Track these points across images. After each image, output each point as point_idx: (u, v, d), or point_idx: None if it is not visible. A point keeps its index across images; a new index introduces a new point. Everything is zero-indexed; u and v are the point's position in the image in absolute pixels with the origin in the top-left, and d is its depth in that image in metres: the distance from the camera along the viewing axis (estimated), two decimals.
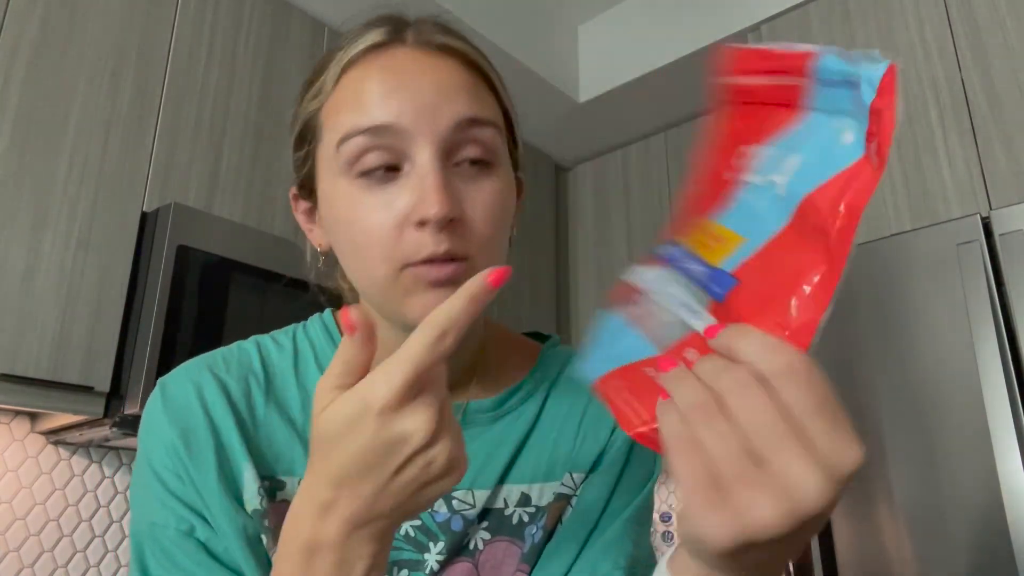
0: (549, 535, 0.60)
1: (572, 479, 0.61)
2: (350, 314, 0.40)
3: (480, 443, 0.60)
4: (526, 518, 0.59)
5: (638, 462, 0.63)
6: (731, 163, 0.38)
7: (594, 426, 0.62)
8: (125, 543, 1.74)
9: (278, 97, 1.97)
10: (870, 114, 0.31)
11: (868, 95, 0.31)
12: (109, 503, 1.75)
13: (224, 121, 1.83)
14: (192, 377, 0.57)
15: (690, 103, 2.60)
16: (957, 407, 1.48)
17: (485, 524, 0.59)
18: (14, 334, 1.39)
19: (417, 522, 0.58)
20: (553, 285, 2.74)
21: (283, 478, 0.56)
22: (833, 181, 0.32)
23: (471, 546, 0.58)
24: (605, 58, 2.62)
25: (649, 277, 0.38)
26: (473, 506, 0.59)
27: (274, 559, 0.45)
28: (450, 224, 0.49)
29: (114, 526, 1.74)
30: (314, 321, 0.64)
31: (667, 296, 0.37)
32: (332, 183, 0.53)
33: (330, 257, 0.59)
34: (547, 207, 2.81)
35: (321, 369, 0.60)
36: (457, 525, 0.58)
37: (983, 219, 1.54)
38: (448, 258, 0.49)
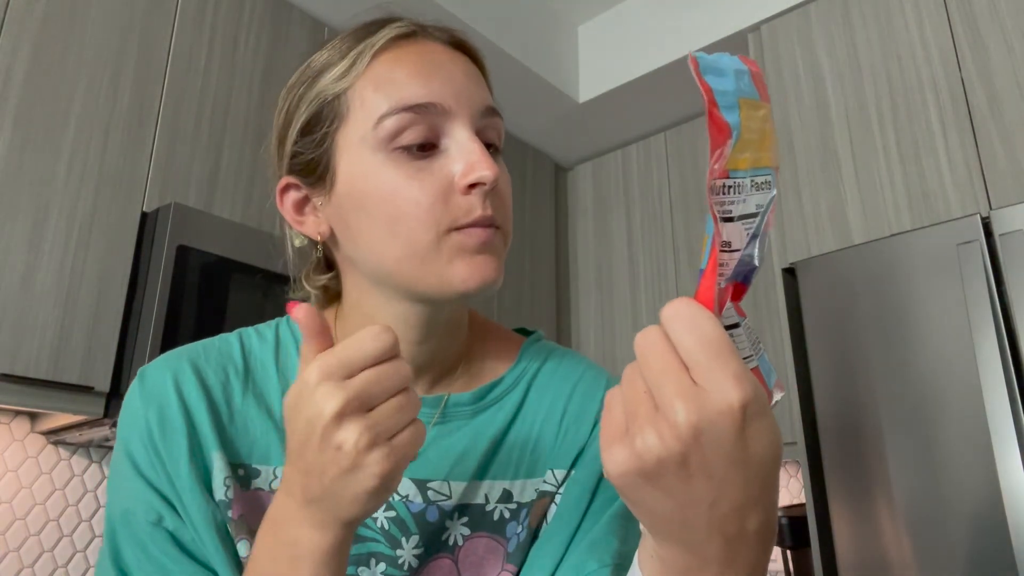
0: (534, 534, 0.60)
1: (554, 476, 0.61)
2: (297, 312, 0.43)
3: (459, 436, 0.60)
4: (507, 515, 0.59)
5: None
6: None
7: (575, 422, 0.62)
8: None
9: (278, 97, 1.97)
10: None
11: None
12: None
13: (224, 121, 1.83)
14: (171, 366, 0.58)
15: (690, 103, 2.61)
16: (957, 407, 1.48)
17: (465, 519, 0.59)
18: (14, 334, 1.39)
19: (392, 513, 0.58)
20: (553, 285, 2.74)
21: (258, 466, 0.56)
22: (711, 169, 0.38)
23: (450, 542, 0.58)
24: (605, 58, 2.62)
25: None
26: (449, 497, 0.59)
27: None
28: (492, 191, 0.54)
29: None
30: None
31: None
32: (362, 160, 0.55)
33: (302, 257, 0.61)
34: (547, 207, 2.81)
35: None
36: (432, 515, 0.58)
37: (983, 219, 1.54)
38: (488, 222, 0.54)
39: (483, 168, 0.52)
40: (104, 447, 1.75)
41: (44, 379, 1.42)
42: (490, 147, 0.57)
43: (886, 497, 1.54)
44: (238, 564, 0.53)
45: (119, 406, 1.49)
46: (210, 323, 1.58)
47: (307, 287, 0.64)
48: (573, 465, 0.61)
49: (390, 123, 0.53)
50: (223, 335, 0.62)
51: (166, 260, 1.53)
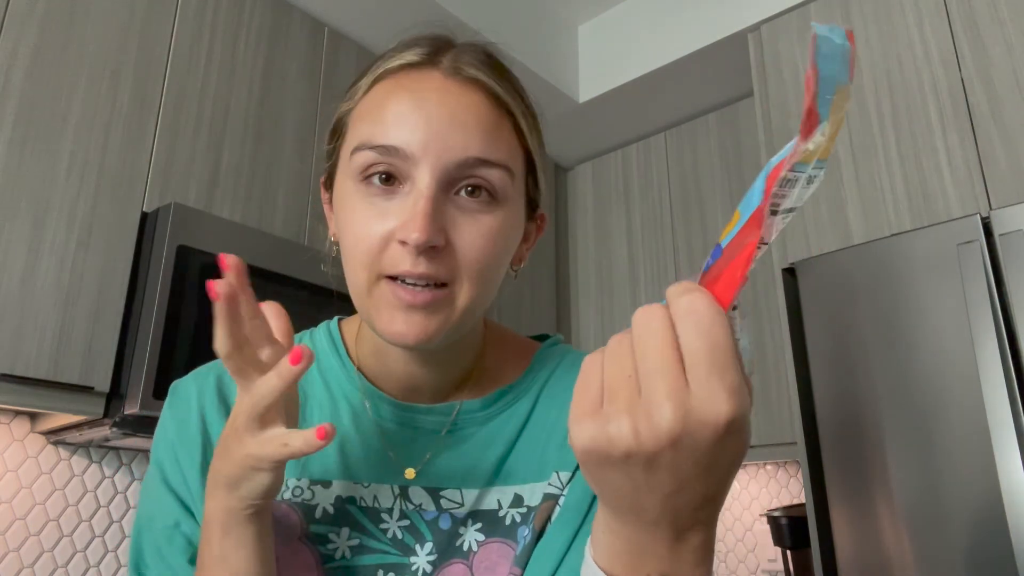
0: (539, 536, 0.60)
1: (559, 478, 0.61)
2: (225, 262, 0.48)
3: (471, 444, 0.61)
4: (518, 519, 0.60)
5: None
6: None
7: None
8: (125, 543, 1.74)
9: (278, 97, 1.97)
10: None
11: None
12: (109, 503, 1.75)
13: (224, 121, 1.83)
14: (197, 381, 0.62)
15: (690, 103, 2.61)
16: (957, 407, 1.48)
17: (479, 525, 0.59)
18: (14, 334, 1.39)
19: (406, 522, 0.58)
20: (553, 285, 2.74)
21: None
22: (783, 160, 0.35)
23: (465, 548, 0.59)
24: (605, 58, 2.62)
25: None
26: (461, 505, 0.59)
27: None
28: (431, 250, 0.51)
29: (114, 526, 1.74)
30: (321, 328, 0.67)
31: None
32: (343, 183, 0.56)
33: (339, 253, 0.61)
34: (547, 207, 2.80)
35: (321, 375, 0.63)
36: (446, 523, 0.59)
37: (983, 219, 1.54)
38: (425, 281, 0.51)
39: (413, 229, 0.50)
40: (104, 447, 1.75)
41: (44, 379, 1.42)
42: (479, 198, 0.53)
43: (886, 497, 1.54)
44: None
45: (119, 406, 1.49)
46: (210, 324, 1.57)
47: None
48: (577, 467, 0.61)
49: (358, 157, 0.54)
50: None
51: (166, 260, 1.53)
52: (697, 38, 2.35)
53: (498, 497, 0.60)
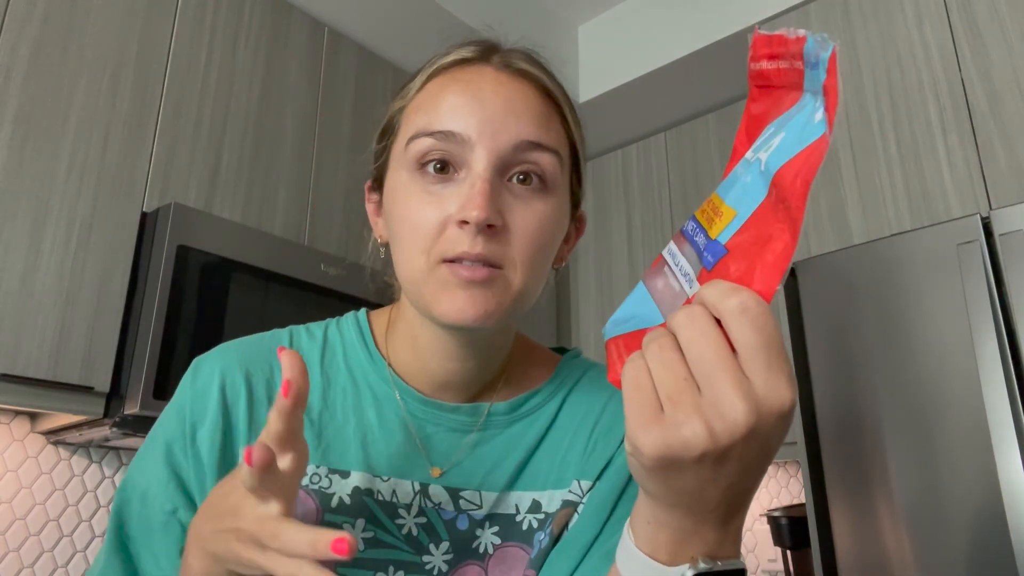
0: (555, 541, 0.61)
1: (579, 486, 0.61)
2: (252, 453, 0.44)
3: (493, 445, 0.61)
4: (535, 524, 0.60)
5: None
6: (751, 143, 0.41)
7: (605, 435, 0.63)
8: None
9: (278, 97, 1.97)
10: (823, 92, 0.35)
11: (822, 75, 0.35)
12: (109, 503, 1.75)
13: (224, 121, 1.83)
14: (221, 361, 0.61)
15: (690, 103, 2.61)
16: (957, 407, 1.48)
17: (496, 529, 0.60)
18: (14, 334, 1.39)
19: (423, 519, 0.58)
20: (553, 285, 2.74)
21: None
22: (799, 155, 0.35)
23: (481, 550, 0.59)
24: (605, 58, 2.62)
25: (672, 251, 0.42)
26: (480, 507, 0.60)
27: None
28: (489, 230, 0.52)
29: None
30: (348, 319, 0.66)
31: (679, 269, 0.41)
32: (397, 176, 0.57)
33: (387, 254, 0.62)
34: None
35: (347, 364, 0.63)
36: (463, 524, 0.59)
37: (983, 219, 1.54)
38: (482, 261, 0.52)
39: (472, 207, 0.51)
40: (104, 447, 1.75)
41: (44, 379, 1.42)
42: (531, 184, 0.55)
43: (886, 497, 1.54)
44: None
45: (119, 406, 1.49)
46: (210, 323, 1.58)
47: (392, 281, 0.66)
48: (599, 477, 0.62)
49: (414, 145, 0.55)
50: (276, 331, 0.64)
51: (166, 260, 1.53)
52: (697, 38, 2.35)
53: (516, 502, 0.60)
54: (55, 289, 1.46)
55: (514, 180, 0.55)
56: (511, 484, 0.61)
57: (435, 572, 0.58)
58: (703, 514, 0.38)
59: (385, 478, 0.59)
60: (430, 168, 0.54)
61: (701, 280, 0.38)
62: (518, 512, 0.60)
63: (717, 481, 0.36)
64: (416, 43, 2.23)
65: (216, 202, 1.77)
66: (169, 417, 0.59)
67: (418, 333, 0.60)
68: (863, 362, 1.62)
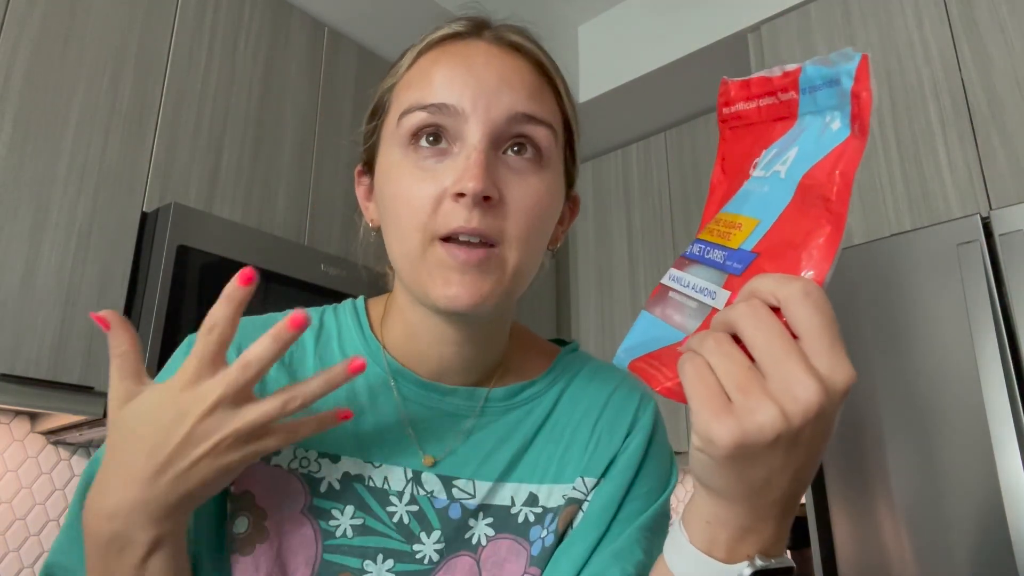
0: (560, 539, 0.60)
1: (584, 483, 0.61)
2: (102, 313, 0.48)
3: (487, 433, 0.61)
4: (532, 518, 0.59)
5: (652, 469, 0.63)
6: (737, 176, 0.44)
7: (608, 432, 0.62)
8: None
9: (278, 97, 1.97)
10: (851, 98, 0.37)
11: (848, 84, 0.37)
12: None
13: (224, 121, 1.83)
14: None
15: (690, 103, 2.61)
16: (957, 407, 1.48)
17: (489, 520, 0.59)
18: (14, 334, 1.39)
19: (415, 507, 0.58)
20: (553, 285, 2.74)
21: None
22: (827, 158, 0.38)
23: (474, 541, 0.58)
24: (605, 58, 2.62)
25: (676, 275, 0.43)
26: (472, 496, 0.59)
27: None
28: (485, 203, 0.51)
29: None
30: (345, 305, 0.66)
31: (691, 287, 0.42)
32: (389, 155, 0.56)
33: (379, 239, 0.61)
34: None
35: (341, 348, 0.62)
36: (455, 513, 0.58)
37: (983, 219, 1.53)
38: (478, 237, 0.51)
39: (469, 179, 0.50)
40: None
41: (44, 379, 1.42)
42: (526, 157, 0.54)
43: (886, 497, 1.54)
44: (218, 534, 0.54)
45: None
46: None
47: (386, 268, 0.65)
48: (604, 474, 0.61)
49: (407, 120, 0.54)
50: (271, 313, 0.64)
51: (166, 260, 1.53)
52: (697, 38, 2.35)
53: (512, 494, 0.60)
54: (55, 289, 1.46)
55: (509, 152, 0.54)
56: (506, 474, 0.60)
57: (425, 561, 0.57)
58: (765, 508, 0.39)
59: (377, 464, 0.58)
60: (423, 142, 0.53)
61: (729, 286, 0.39)
62: (513, 504, 0.59)
63: (786, 468, 0.37)
64: None
65: (216, 202, 1.77)
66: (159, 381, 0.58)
67: (413, 318, 0.59)
68: (863, 362, 1.62)
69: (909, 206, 1.74)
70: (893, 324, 1.60)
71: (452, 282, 0.51)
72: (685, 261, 0.43)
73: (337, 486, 0.57)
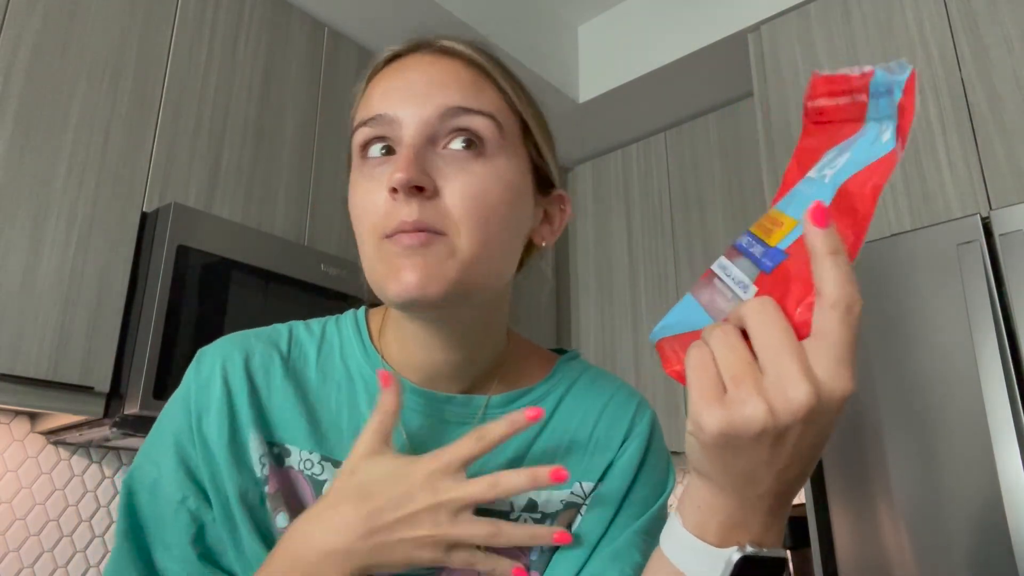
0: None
1: (582, 488, 0.61)
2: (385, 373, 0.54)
3: None
4: (530, 523, 0.60)
5: (649, 473, 0.64)
6: (806, 171, 0.45)
7: (605, 437, 0.63)
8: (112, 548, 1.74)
9: (278, 97, 1.97)
10: (898, 111, 0.38)
11: (898, 96, 0.38)
12: (109, 503, 1.75)
13: (224, 121, 1.83)
14: (223, 351, 0.61)
15: (690, 103, 2.61)
16: (957, 407, 1.48)
17: None
18: (14, 334, 1.39)
19: None
20: (553, 285, 2.74)
21: (289, 447, 0.59)
22: (869, 168, 0.39)
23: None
24: (605, 58, 2.62)
25: (724, 264, 0.45)
26: None
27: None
28: (421, 194, 0.52)
29: (114, 526, 1.74)
30: (347, 316, 0.67)
31: (731, 278, 0.43)
32: (352, 173, 0.58)
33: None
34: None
35: (343, 359, 0.63)
36: None
37: (983, 219, 1.53)
38: (422, 230, 0.52)
39: (395, 171, 0.51)
40: (104, 447, 1.75)
41: (44, 379, 1.42)
42: (467, 149, 0.54)
43: (886, 497, 1.54)
44: (266, 535, 0.56)
45: (119, 406, 1.49)
46: (210, 323, 1.58)
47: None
48: (601, 478, 0.62)
49: (356, 137, 0.57)
50: (276, 325, 0.65)
51: (166, 260, 1.53)
52: (697, 38, 2.35)
53: (511, 500, 0.60)
54: (55, 289, 1.46)
55: (449, 147, 0.55)
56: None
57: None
58: (753, 500, 0.40)
59: None
60: (372, 153, 0.56)
61: (758, 283, 0.41)
62: (513, 510, 0.60)
63: (771, 464, 0.38)
64: None
65: (216, 202, 1.77)
66: (175, 408, 0.60)
67: (403, 327, 0.60)
68: (863, 362, 1.62)
69: (909, 206, 1.74)
70: (893, 324, 1.60)
71: (401, 269, 0.52)
72: (734, 251, 0.45)
73: None
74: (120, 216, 1.59)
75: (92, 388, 1.47)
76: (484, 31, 2.29)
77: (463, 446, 0.52)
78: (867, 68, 0.40)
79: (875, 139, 0.40)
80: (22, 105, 1.49)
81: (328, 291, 1.79)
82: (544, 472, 0.51)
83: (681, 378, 0.41)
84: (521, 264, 0.65)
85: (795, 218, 0.41)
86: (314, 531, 0.51)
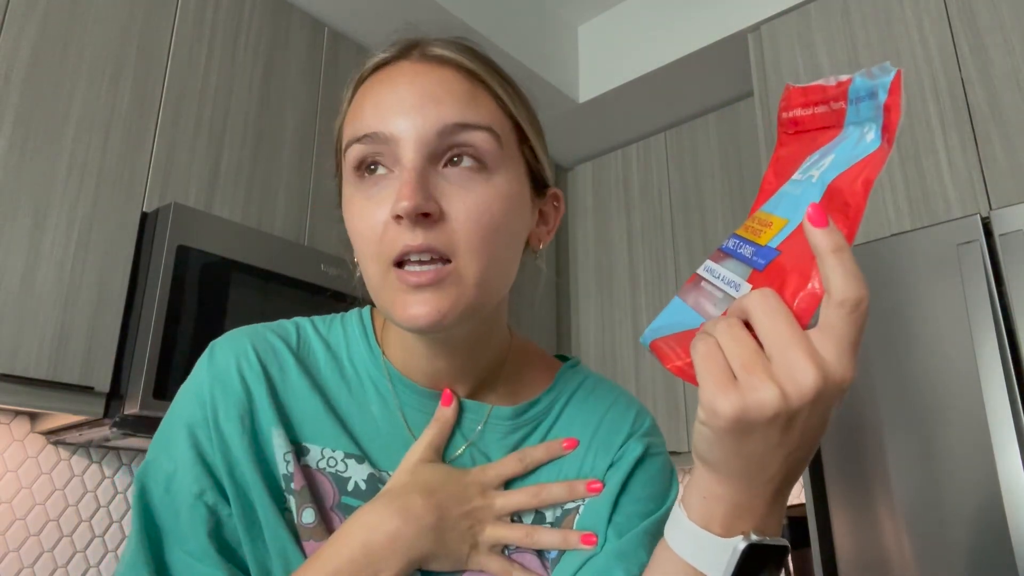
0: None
1: None
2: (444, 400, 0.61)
3: (494, 450, 0.62)
4: (544, 525, 0.61)
5: (651, 474, 0.64)
6: (785, 178, 0.46)
7: (605, 442, 0.64)
8: (125, 543, 1.74)
9: (278, 97, 1.97)
10: (883, 111, 0.40)
11: (882, 97, 0.40)
12: (109, 503, 1.75)
13: (224, 121, 1.83)
14: (235, 345, 0.61)
15: (690, 103, 2.61)
16: (957, 407, 1.48)
17: None
18: (14, 334, 1.39)
19: None
20: (553, 285, 2.74)
21: (308, 445, 0.59)
22: (855, 166, 0.40)
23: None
24: (605, 58, 2.62)
25: (710, 267, 0.46)
26: None
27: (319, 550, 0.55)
28: (426, 219, 0.51)
29: (114, 526, 1.74)
30: (352, 315, 0.67)
31: (720, 279, 0.44)
32: (346, 189, 0.57)
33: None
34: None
35: (350, 357, 0.63)
36: None
37: (983, 219, 1.53)
38: (428, 254, 0.52)
39: (400, 199, 0.50)
40: (104, 447, 1.75)
41: (44, 379, 1.42)
42: (469, 166, 0.54)
43: (886, 497, 1.54)
44: (292, 531, 0.56)
45: (119, 406, 1.49)
46: (210, 323, 1.58)
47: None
48: (605, 474, 0.63)
49: (349, 154, 0.55)
50: (282, 321, 0.65)
51: (166, 260, 1.53)
52: (697, 38, 2.35)
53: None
54: (55, 289, 1.46)
55: (449, 166, 0.54)
56: (507, 487, 0.61)
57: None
58: (759, 486, 0.41)
59: (389, 472, 0.59)
60: (367, 172, 0.55)
61: (752, 280, 0.42)
62: (521, 521, 0.61)
63: (780, 447, 0.39)
64: None
65: (216, 202, 1.77)
66: (188, 400, 0.59)
67: (405, 335, 0.60)
68: (863, 362, 1.62)
69: (909, 206, 1.74)
70: (893, 324, 1.60)
71: (409, 303, 0.52)
72: (720, 254, 0.46)
73: (363, 486, 0.58)
74: (120, 216, 1.59)
75: (92, 388, 1.47)
76: (484, 31, 2.29)
77: (506, 465, 0.59)
78: (843, 77, 0.42)
79: (858, 140, 0.41)
80: (22, 105, 1.49)
81: (328, 291, 1.79)
82: (581, 485, 0.59)
83: (683, 373, 0.42)
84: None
85: (785, 217, 0.42)
86: (382, 518, 0.54)
